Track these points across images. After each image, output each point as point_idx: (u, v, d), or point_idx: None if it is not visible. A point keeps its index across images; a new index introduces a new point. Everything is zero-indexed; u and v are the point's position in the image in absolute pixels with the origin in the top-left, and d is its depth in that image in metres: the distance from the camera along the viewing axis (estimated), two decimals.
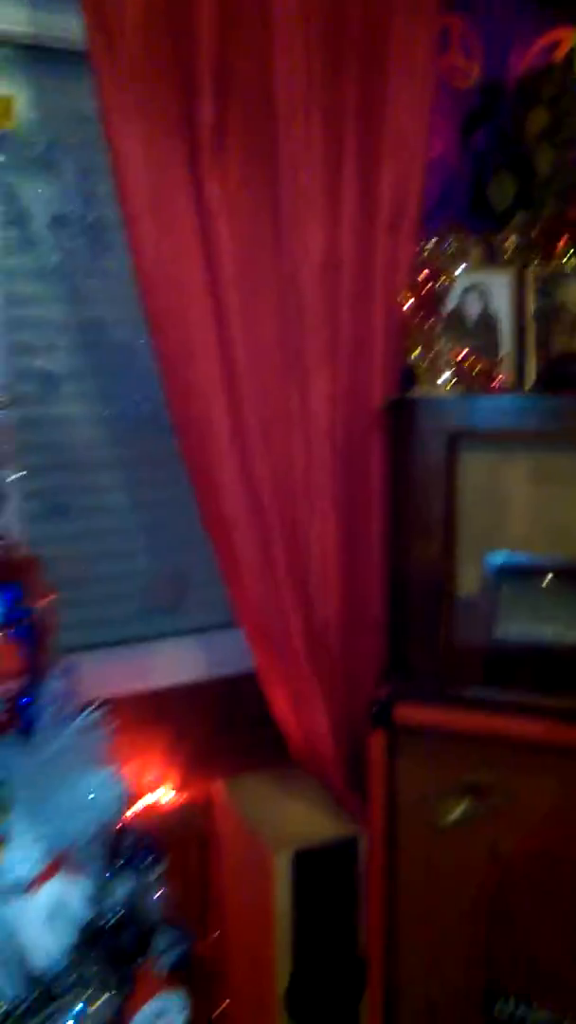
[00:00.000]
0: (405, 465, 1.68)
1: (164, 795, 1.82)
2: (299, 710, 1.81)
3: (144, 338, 1.64)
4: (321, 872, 1.71)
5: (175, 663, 1.95)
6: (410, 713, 1.61)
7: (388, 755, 1.63)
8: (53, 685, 1.13)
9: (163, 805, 1.82)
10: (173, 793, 1.85)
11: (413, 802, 1.62)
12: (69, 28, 1.60)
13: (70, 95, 1.74)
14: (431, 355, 1.67)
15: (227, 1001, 1.76)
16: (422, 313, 1.67)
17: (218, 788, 1.92)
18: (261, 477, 1.68)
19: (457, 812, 1.59)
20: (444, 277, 1.68)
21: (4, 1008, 0.99)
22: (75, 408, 1.87)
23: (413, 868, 1.64)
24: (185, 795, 1.87)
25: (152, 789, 1.81)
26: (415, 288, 1.68)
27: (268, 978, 1.72)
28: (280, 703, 1.83)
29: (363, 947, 1.72)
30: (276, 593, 1.74)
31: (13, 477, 1.17)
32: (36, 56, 1.72)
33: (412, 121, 1.70)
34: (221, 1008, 1.32)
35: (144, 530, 1.97)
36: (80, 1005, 1.01)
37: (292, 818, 1.79)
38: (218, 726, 1.95)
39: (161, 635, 1.99)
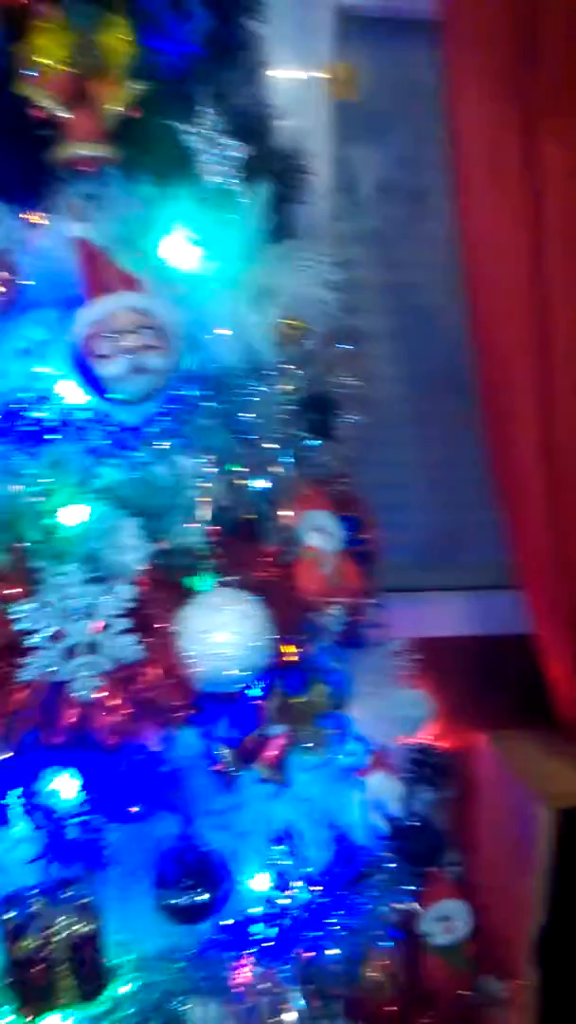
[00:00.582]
0: None
1: (432, 737, 1.92)
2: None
3: (451, 302, 1.71)
4: None
5: (444, 616, 2.01)
6: None
7: None
8: (375, 609, 1.25)
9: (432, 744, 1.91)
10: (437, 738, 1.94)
11: None
12: None
13: (399, 64, 1.81)
14: None
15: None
16: None
17: (479, 740, 1.99)
18: (560, 439, 1.71)
19: None
20: None
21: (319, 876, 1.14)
22: (380, 366, 1.97)
23: None
24: (448, 742, 1.95)
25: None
26: None
27: (521, 924, 1.79)
28: (555, 664, 1.86)
29: None
30: (561, 554, 1.77)
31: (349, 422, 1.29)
32: (370, 26, 1.80)
33: None
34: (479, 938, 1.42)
35: (428, 486, 2.06)
36: (386, 889, 1.14)
37: (557, 776, 1.82)
38: (482, 682, 2.00)
39: (432, 588, 2.06)
